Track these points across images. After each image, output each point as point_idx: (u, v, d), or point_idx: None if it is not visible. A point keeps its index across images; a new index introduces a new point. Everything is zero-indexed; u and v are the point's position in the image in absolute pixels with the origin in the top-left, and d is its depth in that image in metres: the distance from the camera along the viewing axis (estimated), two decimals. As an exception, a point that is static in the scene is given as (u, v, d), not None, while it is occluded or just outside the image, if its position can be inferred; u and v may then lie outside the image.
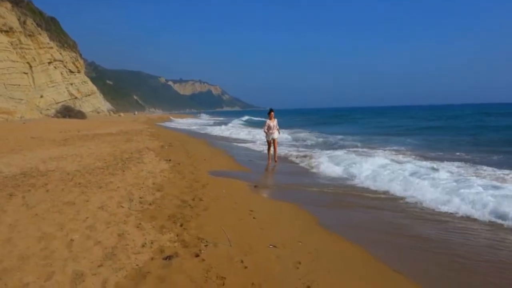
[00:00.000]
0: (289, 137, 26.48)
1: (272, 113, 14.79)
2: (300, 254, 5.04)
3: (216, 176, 10.57)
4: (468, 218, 7.18)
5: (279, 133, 15.00)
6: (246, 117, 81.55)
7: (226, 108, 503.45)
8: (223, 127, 44.40)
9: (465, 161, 13.65)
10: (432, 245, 5.81)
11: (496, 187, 8.69)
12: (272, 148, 14.78)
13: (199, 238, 5.28)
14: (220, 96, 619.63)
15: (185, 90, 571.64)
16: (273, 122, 14.64)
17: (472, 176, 10.51)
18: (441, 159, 14.13)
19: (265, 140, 15.33)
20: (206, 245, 5.01)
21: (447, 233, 6.35)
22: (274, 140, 14.65)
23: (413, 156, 15.60)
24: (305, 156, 15.54)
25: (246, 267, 4.40)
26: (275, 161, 14.46)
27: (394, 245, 5.85)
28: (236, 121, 64.48)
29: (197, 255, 4.69)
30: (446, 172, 10.83)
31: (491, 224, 6.82)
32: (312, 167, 13.26)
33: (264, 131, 14.92)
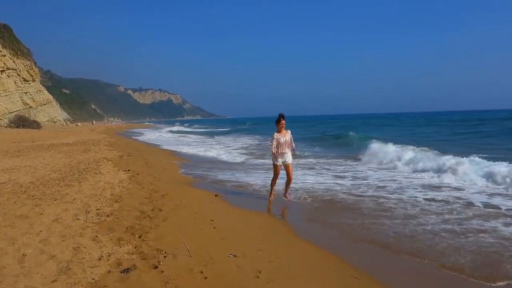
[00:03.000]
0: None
1: (283, 121, 9.12)
2: (261, 262, 5.04)
3: (176, 186, 10.46)
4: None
5: (294, 153, 9.49)
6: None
7: (187, 117, 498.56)
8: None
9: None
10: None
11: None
12: (281, 178, 9.54)
13: (158, 250, 5.20)
14: (181, 105, 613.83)
15: (144, 99, 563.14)
16: (285, 137, 9.14)
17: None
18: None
19: (272, 163, 9.43)
20: (165, 257, 4.94)
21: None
22: (287, 165, 9.29)
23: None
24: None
25: (206, 278, 4.37)
26: (287, 198, 9.37)
27: (359, 250, 5.97)
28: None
29: (155, 267, 4.61)
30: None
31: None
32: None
33: (272, 152, 9.24)
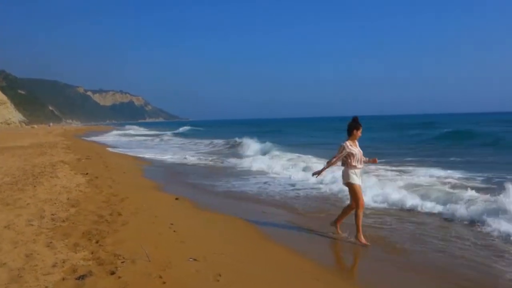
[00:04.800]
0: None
1: (361, 129, 6.84)
2: (221, 266, 5.00)
3: (136, 189, 10.27)
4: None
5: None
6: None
7: (149, 120, 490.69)
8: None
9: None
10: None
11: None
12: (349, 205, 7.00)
13: (116, 255, 5.07)
14: (143, 107, 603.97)
15: (105, 100, 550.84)
16: (358, 148, 6.83)
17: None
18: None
19: (350, 182, 6.74)
20: (123, 262, 4.82)
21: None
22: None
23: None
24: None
25: (164, 283, 4.28)
26: (361, 241, 6.56)
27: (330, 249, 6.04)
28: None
29: (112, 273, 4.48)
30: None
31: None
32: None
33: (350, 165, 6.73)
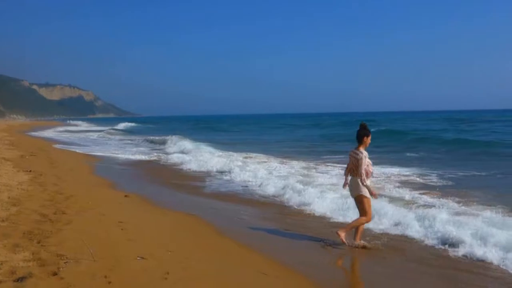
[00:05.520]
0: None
1: (370, 136, 6.47)
2: (169, 264, 4.93)
3: (83, 187, 9.94)
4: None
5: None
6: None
7: (99, 115, 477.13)
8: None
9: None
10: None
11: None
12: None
13: (59, 255, 4.87)
14: (93, 102, 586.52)
15: (52, 95, 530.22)
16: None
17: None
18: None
19: (366, 196, 6.30)
20: (66, 262, 4.63)
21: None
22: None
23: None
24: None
25: (110, 282, 4.17)
26: (359, 243, 6.38)
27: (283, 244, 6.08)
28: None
29: (55, 274, 4.30)
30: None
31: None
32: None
33: (364, 176, 6.26)
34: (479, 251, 5.77)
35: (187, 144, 24.28)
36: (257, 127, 61.33)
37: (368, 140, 6.35)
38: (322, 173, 13.29)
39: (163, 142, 27.42)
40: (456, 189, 10.20)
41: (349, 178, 6.50)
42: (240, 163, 15.25)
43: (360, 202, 6.32)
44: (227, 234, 6.70)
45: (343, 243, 6.28)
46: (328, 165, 15.25)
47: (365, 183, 6.17)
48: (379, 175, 12.11)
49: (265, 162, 16.33)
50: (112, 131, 53.24)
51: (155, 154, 20.72)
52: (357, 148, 6.35)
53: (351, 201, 8.09)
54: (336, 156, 18.13)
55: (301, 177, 11.99)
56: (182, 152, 20.63)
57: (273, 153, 19.96)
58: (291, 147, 25.10)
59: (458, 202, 8.51)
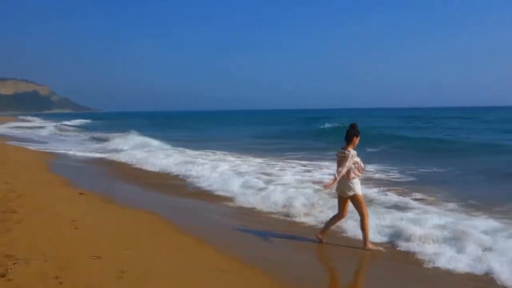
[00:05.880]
0: None
1: (359, 136, 6.46)
2: (125, 263, 4.81)
3: (37, 185, 9.58)
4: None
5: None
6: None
7: (55, 110, 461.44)
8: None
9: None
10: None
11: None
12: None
13: (8, 256, 4.66)
14: (49, 97, 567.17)
15: (5, 89, 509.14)
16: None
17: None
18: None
19: (359, 193, 6.37)
20: (15, 263, 4.44)
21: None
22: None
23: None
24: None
25: (61, 283, 4.02)
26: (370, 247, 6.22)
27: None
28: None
29: (3, 275, 4.12)
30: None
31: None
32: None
33: (355, 174, 6.29)
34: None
35: (142, 140, 23.92)
36: (220, 124, 61.19)
37: (357, 140, 6.35)
38: (283, 169, 13.36)
39: (110, 139, 26.64)
40: (421, 186, 10.46)
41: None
42: (199, 160, 15.09)
43: (357, 201, 6.29)
44: (187, 232, 6.60)
45: (377, 249, 6.16)
46: (289, 162, 15.36)
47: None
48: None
49: (224, 159, 16.21)
50: (64, 127, 51.77)
51: (109, 151, 20.11)
52: (345, 148, 6.32)
53: (311, 198, 8.23)
54: (299, 153, 18.32)
55: (261, 174, 12.02)
56: (138, 149, 20.13)
57: (231, 150, 19.94)
58: (251, 144, 25.13)
59: (423, 200, 8.81)
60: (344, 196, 6.35)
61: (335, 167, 6.38)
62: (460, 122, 47.91)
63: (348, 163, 6.13)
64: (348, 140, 6.33)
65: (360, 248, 6.16)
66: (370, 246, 6.15)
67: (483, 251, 5.46)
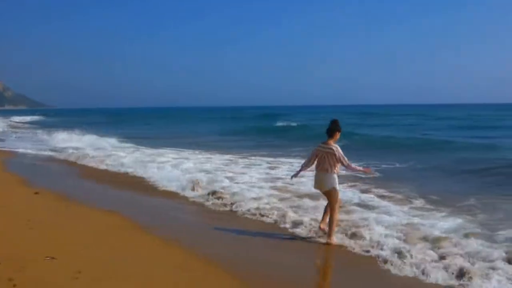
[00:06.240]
0: None
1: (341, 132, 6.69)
2: (82, 262, 4.75)
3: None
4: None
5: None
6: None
7: (8, 107, 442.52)
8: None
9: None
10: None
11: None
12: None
13: (-41, 258, 4.52)
14: (2, 93, 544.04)
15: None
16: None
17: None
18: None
19: (329, 188, 6.44)
20: (-35, 266, 4.32)
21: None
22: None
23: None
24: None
25: (15, 285, 3.93)
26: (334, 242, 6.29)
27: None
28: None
29: (-47, 279, 4.00)
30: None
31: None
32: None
33: (336, 170, 6.47)
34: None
35: (98, 138, 23.40)
36: (179, 121, 60.05)
37: (338, 135, 6.52)
38: (248, 166, 13.45)
39: (63, 137, 25.33)
40: (387, 181, 10.67)
41: (316, 172, 6.51)
42: (159, 158, 14.93)
43: (332, 196, 6.40)
44: (148, 230, 6.51)
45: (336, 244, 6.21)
46: (253, 159, 15.39)
47: (352, 165, 6.43)
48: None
49: (187, 156, 16.07)
50: (16, 124, 49.87)
51: (63, 149, 19.17)
52: (327, 143, 6.42)
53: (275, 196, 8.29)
54: (262, 151, 18.34)
55: (226, 172, 12.06)
56: (94, 146, 19.73)
57: (196, 147, 19.72)
58: (214, 141, 24.95)
59: (387, 196, 9.03)
60: (321, 190, 6.51)
61: (303, 161, 6.68)
62: (418, 119, 49.15)
63: (343, 155, 6.32)
64: (331, 135, 6.46)
65: (324, 243, 6.25)
66: (334, 240, 6.23)
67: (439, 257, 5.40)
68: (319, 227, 6.60)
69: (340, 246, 6.10)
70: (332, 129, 6.45)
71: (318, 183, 6.52)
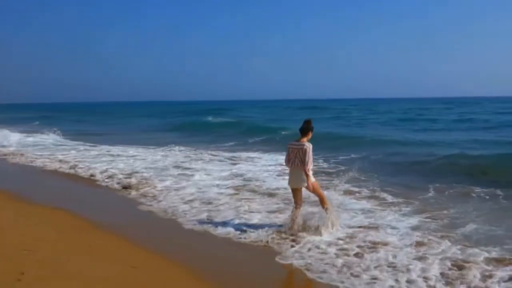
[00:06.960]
0: None
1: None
2: (27, 263, 4.57)
3: None
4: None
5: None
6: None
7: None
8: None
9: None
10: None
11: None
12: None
13: None
14: None
15: None
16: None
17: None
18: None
19: (307, 184, 6.62)
20: None
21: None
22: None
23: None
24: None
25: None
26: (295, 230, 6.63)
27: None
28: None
29: None
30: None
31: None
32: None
33: (310, 166, 6.63)
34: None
35: (38, 136, 22.81)
36: (124, 115, 56.85)
37: (311, 134, 6.73)
38: (196, 160, 13.45)
39: None
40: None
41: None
42: (102, 157, 14.53)
43: (300, 193, 6.75)
44: (96, 228, 6.40)
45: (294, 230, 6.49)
46: (200, 154, 15.29)
47: (309, 173, 6.51)
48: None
49: (139, 152, 15.79)
50: None
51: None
52: (300, 140, 6.64)
53: (221, 187, 8.30)
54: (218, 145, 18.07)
55: (179, 168, 12.00)
56: (36, 144, 19.10)
57: (144, 144, 19.18)
58: (165, 138, 24.00)
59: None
60: (298, 187, 6.73)
61: (284, 158, 6.85)
62: (365, 113, 50.19)
63: (311, 156, 6.53)
64: (305, 133, 6.68)
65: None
66: (294, 230, 6.45)
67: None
68: (287, 233, 6.52)
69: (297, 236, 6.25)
70: (306, 128, 6.70)
71: (292, 181, 6.73)
